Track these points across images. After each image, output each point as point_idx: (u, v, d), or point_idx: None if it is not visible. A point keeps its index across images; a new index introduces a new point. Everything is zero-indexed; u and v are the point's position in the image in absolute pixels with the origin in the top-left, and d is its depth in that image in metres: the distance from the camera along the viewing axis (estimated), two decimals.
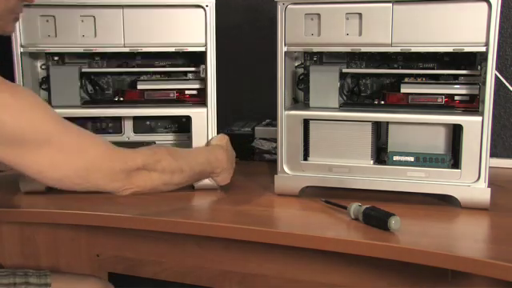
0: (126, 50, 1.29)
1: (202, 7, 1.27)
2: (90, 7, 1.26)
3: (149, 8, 1.27)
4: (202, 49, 1.29)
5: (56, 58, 1.37)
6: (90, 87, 1.41)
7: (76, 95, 1.33)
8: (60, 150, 0.94)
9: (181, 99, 1.37)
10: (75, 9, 1.26)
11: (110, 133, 1.42)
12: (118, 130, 1.44)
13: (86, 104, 1.35)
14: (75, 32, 1.27)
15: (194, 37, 1.29)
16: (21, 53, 1.28)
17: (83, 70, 1.36)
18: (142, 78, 1.40)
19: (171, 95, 1.37)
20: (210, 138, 1.30)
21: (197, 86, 1.37)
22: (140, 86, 1.37)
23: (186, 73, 1.40)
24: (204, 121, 1.30)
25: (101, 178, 0.98)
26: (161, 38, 1.29)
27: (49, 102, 1.32)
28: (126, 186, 1.01)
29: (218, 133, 1.32)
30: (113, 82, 1.42)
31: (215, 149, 1.24)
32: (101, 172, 0.97)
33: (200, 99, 1.35)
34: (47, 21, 1.27)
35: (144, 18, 1.27)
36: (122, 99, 1.38)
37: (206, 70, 1.30)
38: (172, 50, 1.30)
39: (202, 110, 1.30)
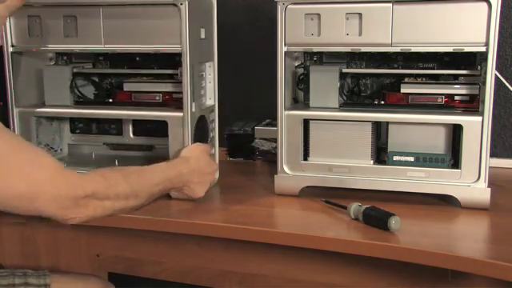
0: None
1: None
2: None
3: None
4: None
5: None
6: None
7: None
8: (3, 171, 0.88)
9: None
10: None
11: None
12: None
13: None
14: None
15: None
16: (11, 52, 1.31)
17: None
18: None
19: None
20: (186, 145, 1.22)
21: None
22: None
23: None
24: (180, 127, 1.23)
25: (45, 204, 0.90)
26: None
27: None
28: (73, 215, 0.93)
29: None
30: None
31: (179, 163, 1.14)
32: (45, 198, 0.89)
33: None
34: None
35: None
36: None
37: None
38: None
39: (179, 113, 1.23)
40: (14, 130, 1.32)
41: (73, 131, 1.49)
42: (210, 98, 1.36)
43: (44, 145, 1.41)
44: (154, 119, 1.30)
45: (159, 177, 1.07)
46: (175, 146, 1.22)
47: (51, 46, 1.30)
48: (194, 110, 1.23)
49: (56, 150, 1.46)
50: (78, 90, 1.39)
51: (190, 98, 1.22)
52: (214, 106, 1.37)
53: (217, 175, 1.31)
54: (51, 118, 1.42)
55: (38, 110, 1.34)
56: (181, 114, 1.22)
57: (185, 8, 1.18)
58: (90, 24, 1.25)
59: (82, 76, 1.41)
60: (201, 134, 1.29)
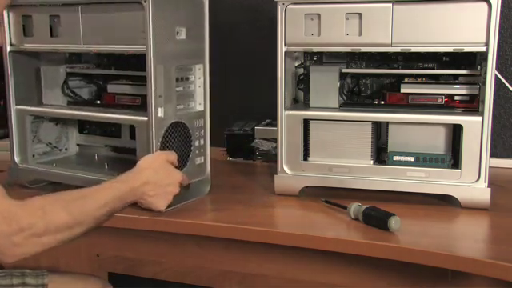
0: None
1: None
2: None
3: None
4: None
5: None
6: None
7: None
8: None
9: None
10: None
11: None
12: None
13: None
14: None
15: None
16: (9, 51, 1.31)
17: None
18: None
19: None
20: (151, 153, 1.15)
21: None
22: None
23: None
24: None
25: None
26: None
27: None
28: (10, 253, 0.90)
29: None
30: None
31: (130, 177, 1.08)
32: None
33: None
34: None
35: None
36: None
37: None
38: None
39: (144, 118, 1.16)
40: (11, 128, 1.34)
41: (81, 131, 1.49)
42: (200, 103, 1.27)
43: (46, 143, 1.41)
44: (122, 123, 1.26)
45: (105, 197, 1.02)
46: (142, 153, 1.15)
47: (39, 46, 1.29)
48: (161, 115, 1.15)
49: (60, 150, 1.46)
50: (71, 90, 1.38)
51: (155, 103, 1.14)
52: (203, 111, 1.27)
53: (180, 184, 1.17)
54: (54, 118, 1.42)
55: (31, 108, 1.35)
56: (145, 119, 1.15)
57: (148, 6, 1.10)
58: (70, 23, 1.24)
59: (81, 76, 1.41)
60: (176, 141, 1.20)
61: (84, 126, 1.48)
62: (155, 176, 1.10)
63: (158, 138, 1.15)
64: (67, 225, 0.96)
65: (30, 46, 1.30)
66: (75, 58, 1.43)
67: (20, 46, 1.31)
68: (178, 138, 1.20)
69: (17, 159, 1.36)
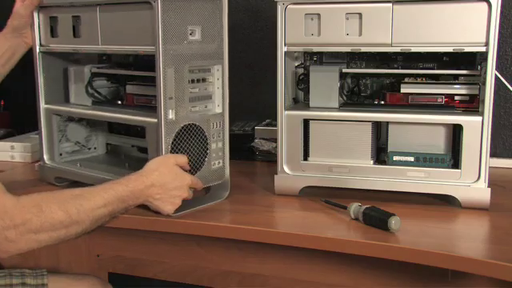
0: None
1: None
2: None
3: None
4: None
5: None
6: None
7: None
8: None
9: None
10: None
11: None
12: None
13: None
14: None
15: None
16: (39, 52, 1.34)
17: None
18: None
19: None
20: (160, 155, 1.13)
21: None
22: None
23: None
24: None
25: None
26: None
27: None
28: (3, 248, 0.90)
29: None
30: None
31: (135, 179, 1.07)
32: None
33: None
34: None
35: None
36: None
37: None
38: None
39: (154, 119, 1.15)
40: (40, 127, 1.39)
41: (111, 131, 1.49)
42: (219, 104, 1.24)
43: (75, 142, 1.43)
44: (132, 124, 1.25)
45: (104, 198, 1.02)
46: (152, 155, 1.14)
47: (63, 47, 1.31)
48: (171, 117, 1.13)
49: (89, 149, 1.47)
50: (95, 91, 1.39)
51: (165, 104, 1.12)
52: (221, 113, 1.25)
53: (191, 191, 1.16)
54: (81, 117, 1.42)
55: (56, 107, 1.37)
56: (155, 121, 1.13)
57: (157, 6, 1.08)
58: (89, 24, 1.25)
59: (106, 76, 1.41)
60: (189, 144, 1.18)
61: (112, 125, 1.48)
62: (162, 179, 1.09)
63: (168, 140, 1.13)
64: (63, 223, 0.96)
65: (55, 46, 1.32)
66: (106, 57, 1.44)
67: (47, 46, 1.33)
68: (191, 141, 1.18)
69: (45, 157, 1.39)
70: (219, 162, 1.25)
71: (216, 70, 1.23)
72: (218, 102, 1.25)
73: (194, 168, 1.19)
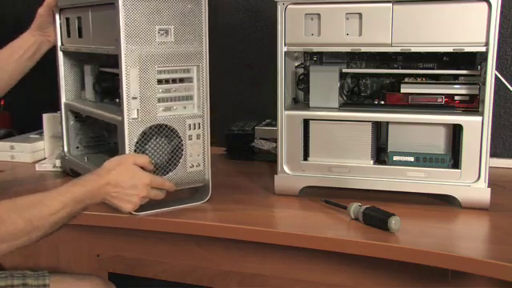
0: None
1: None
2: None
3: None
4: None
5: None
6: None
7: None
8: None
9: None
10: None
11: None
12: None
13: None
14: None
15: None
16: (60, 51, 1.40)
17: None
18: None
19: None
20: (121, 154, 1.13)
21: None
22: None
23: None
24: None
25: None
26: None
27: None
28: None
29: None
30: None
31: (90, 179, 1.08)
32: None
33: None
34: None
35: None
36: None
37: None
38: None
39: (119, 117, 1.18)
40: (61, 121, 1.46)
41: None
42: (198, 106, 1.20)
43: (93, 136, 1.48)
44: (105, 120, 1.26)
45: (62, 202, 1.03)
46: (122, 152, 1.14)
47: (72, 46, 1.36)
48: (135, 116, 1.12)
49: (109, 143, 1.51)
50: (102, 88, 1.40)
51: (127, 104, 1.11)
52: (200, 115, 1.20)
53: (160, 191, 1.15)
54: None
55: (70, 103, 1.43)
56: (120, 118, 1.13)
57: (118, 7, 1.08)
58: (85, 25, 1.27)
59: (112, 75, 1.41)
60: (157, 145, 1.16)
61: None
62: (118, 178, 1.09)
63: (131, 139, 1.13)
64: (24, 231, 0.98)
65: (69, 46, 1.38)
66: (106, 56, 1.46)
67: (64, 46, 1.40)
68: (160, 142, 1.16)
69: (65, 149, 1.45)
70: (198, 165, 1.21)
71: (194, 71, 1.20)
72: (197, 104, 1.21)
73: (163, 169, 1.17)
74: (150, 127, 1.15)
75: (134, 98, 1.12)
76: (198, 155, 1.21)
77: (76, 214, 1.07)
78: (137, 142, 1.14)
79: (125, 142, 1.13)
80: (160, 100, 1.16)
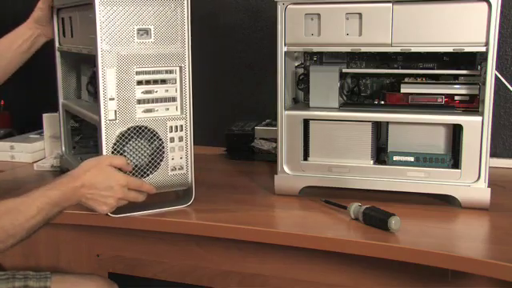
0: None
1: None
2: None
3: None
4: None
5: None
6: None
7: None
8: None
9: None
10: None
11: None
12: None
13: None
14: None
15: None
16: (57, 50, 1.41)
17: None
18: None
19: None
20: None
21: None
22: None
23: None
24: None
25: None
26: None
27: None
28: None
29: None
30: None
31: (65, 181, 1.07)
32: None
33: None
34: None
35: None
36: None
37: None
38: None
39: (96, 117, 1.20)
40: (60, 120, 1.46)
41: None
42: (180, 107, 1.17)
43: (88, 137, 1.47)
44: (87, 120, 1.25)
45: (39, 206, 1.02)
46: (100, 153, 1.13)
47: (65, 46, 1.36)
48: (112, 117, 1.11)
49: None
50: (93, 87, 1.39)
51: (104, 105, 1.10)
52: (182, 117, 1.17)
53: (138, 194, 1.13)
54: None
55: (65, 102, 1.43)
56: (98, 119, 1.12)
57: (94, 7, 1.07)
58: (74, 25, 1.28)
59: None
60: (136, 146, 1.14)
61: None
62: (92, 179, 1.08)
63: (109, 140, 1.12)
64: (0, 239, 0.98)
65: (64, 45, 1.38)
66: None
67: (61, 46, 1.40)
68: (139, 144, 1.14)
69: (63, 148, 1.46)
70: (180, 168, 1.19)
71: (176, 72, 1.17)
72: (179, 105, 1.18)
73: (143, 171, 1.15)
74: (129, 129, 1.13)
75: (112, 99, 1.11)
76: (180, 158, 1.18)
77: (52, 217, 1.06)
78: (114, 144, 1.12)
79: (102, 144, 1.11)
80: (140, 101, 1.14)
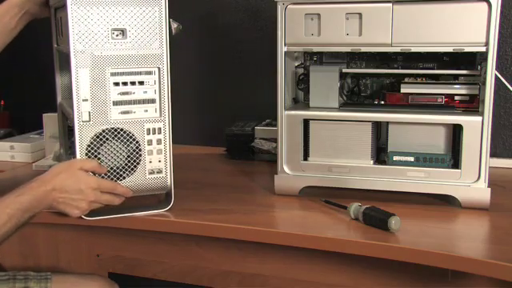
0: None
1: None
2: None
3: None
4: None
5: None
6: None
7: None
8: None
9: None
10: None
11: None
12: None
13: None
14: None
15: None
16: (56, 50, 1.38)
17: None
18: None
19: None
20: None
21: None
22: None
23: None
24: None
25: None
26: None
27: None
28: None
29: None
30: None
31: (35, 186, 1.06)
32: None
33: None
34: None
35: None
36: None
37: None
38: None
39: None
40: (59, 120, 1.44)
41: None
42: (158, 109, 1.15)
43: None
44: (70, 121, 1.21)
45: (10, 213, 1.02)
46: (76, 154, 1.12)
47: (60, 46, 1.34)
48: (86, 119, 1.10)
49: None
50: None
51: (77, 106, 1.09)
52: (160, 119, 1.15)
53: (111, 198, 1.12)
54: None
55: (61, 102, 1.41)
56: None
57: (67, 8, 1.07)
58: (64, 24, 1.23)
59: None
60: (111, 149, 1.12)
61: None
62: (63, 183, 1.07)
63: (83, 142, 1.10)
64: None
65: (61, 45, 1.34)
66: None
67: (57, 45, 1.38)
68: (115, 146, 1.13)
69: (62, 149, 1.45)
70: (159, 171, 1.16)
71: (153, 73, 1.14)
72: (159, 107, 1.15)
73: (119, 174, 1.13)
74: (104, 130, 1.11)
75: (85, 100, 1.10)
76: (158, 161, 1.16)
77: (24, 222, 1.06)
78: (88, 145, 1.11)
79: (75, 145, 1.10)
80: (116, 103, 1.12)
